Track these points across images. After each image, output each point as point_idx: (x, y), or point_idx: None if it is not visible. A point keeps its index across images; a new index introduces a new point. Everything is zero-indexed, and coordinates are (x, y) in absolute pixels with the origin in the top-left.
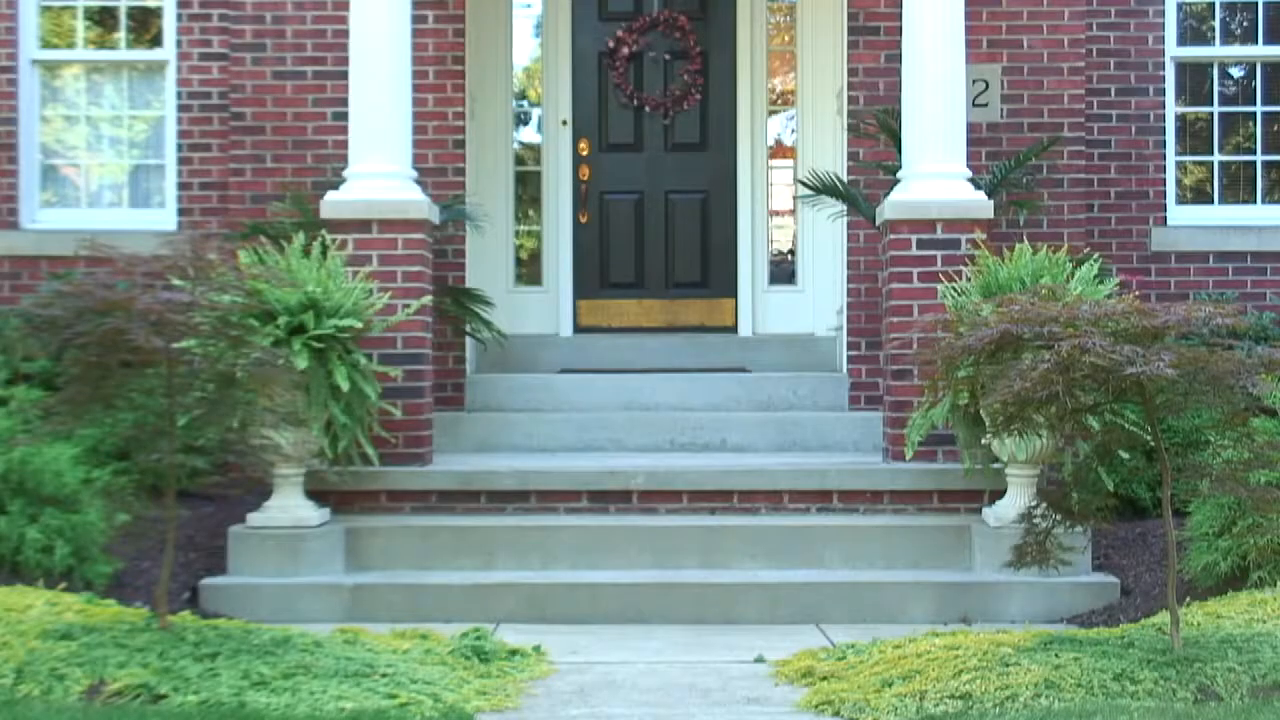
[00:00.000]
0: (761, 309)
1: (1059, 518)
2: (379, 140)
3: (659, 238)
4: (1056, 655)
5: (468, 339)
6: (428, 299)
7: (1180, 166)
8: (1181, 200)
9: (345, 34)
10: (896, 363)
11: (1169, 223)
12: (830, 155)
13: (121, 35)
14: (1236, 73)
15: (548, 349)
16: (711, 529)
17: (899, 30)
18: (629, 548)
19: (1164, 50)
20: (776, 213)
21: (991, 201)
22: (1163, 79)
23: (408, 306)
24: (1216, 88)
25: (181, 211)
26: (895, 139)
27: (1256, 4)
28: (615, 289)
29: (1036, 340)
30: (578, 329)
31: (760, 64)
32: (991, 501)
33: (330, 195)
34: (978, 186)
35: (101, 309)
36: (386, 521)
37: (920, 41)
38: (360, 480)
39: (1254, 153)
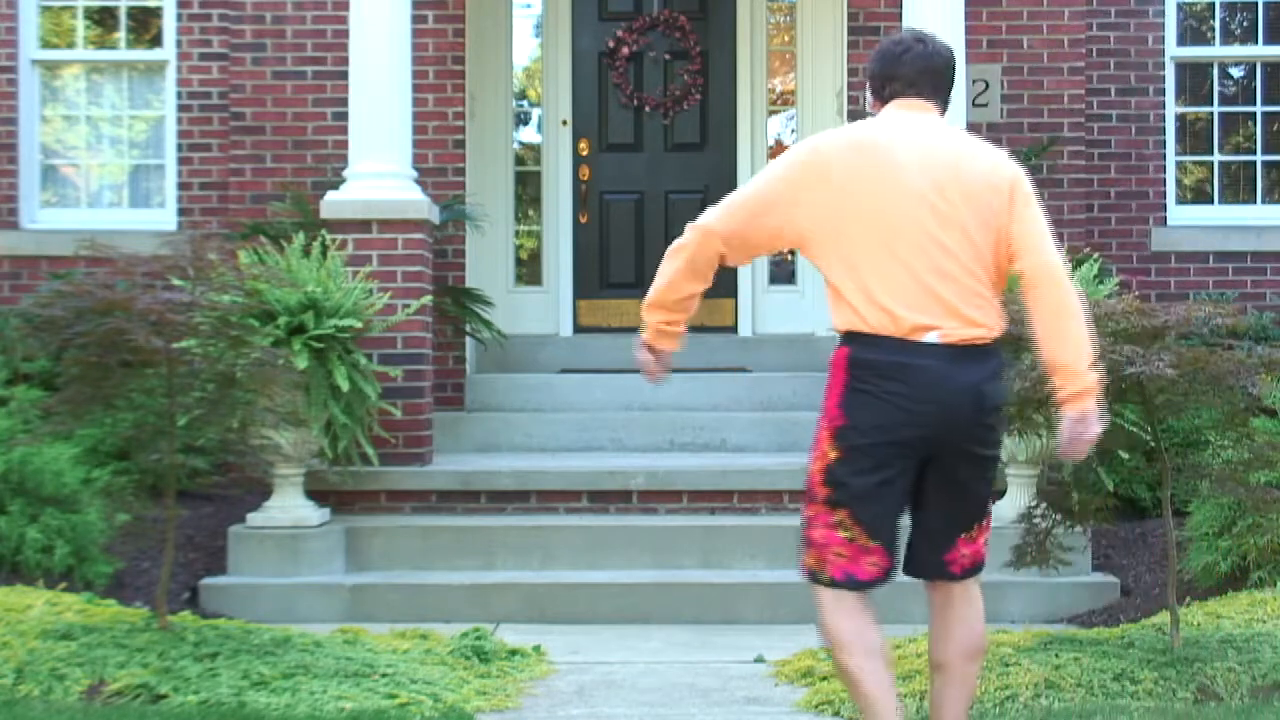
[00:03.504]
0: (761, 309)
1: (1059, 518)
2: (379, 140)
3: (659, 238)
4: (1056, 655)
5: (468, 339)
6: (428, 299)
7: (1180, 166)
8: (1181, 200)
9: (345, 34)
10: None
11: (1169, 223)
12: None
13: (121, 35)
14: (1236, 73)
15: (548, 349)
16: (711, 529)
17: (899, 30)
18: (629, 548)
19: (1164, 50)
20: None
21: None
22: (1163, 79)
23: (408, 306)
24: (1216, 88)
25: (181, 211)
26: None
27: (1256, 4)
28: (615, 289)
29: None
30: (578, 329)
31: (760, 64)
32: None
33: (330, 195)
34: None
35: (101, 309)
36: (386, 521)
37: None
38: (360, 480)
39: (1254, 153)
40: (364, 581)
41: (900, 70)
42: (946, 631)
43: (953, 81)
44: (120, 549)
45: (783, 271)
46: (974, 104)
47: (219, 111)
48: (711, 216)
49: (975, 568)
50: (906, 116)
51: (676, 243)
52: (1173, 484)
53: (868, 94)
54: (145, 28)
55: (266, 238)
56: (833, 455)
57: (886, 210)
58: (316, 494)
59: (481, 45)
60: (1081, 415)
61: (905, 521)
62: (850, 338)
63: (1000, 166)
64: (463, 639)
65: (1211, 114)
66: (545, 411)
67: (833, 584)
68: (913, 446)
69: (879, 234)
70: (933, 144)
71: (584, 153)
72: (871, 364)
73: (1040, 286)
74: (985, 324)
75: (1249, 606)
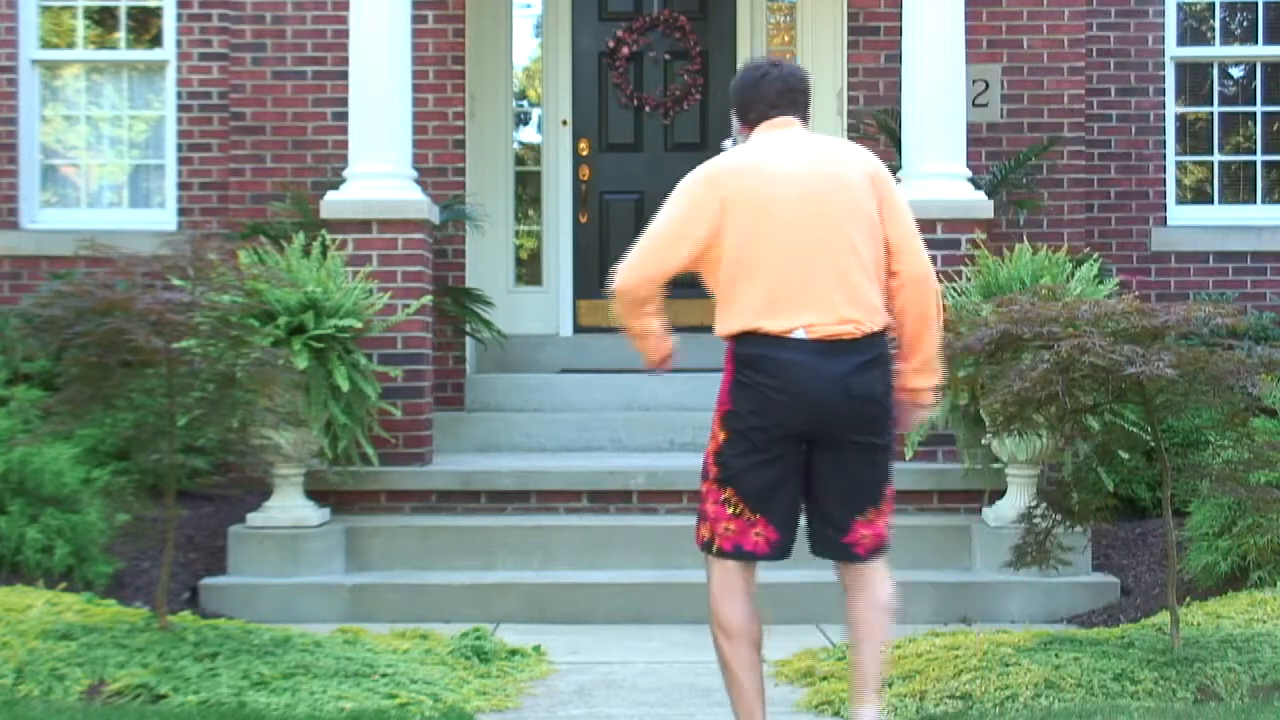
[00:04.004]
0: None
1: (1059, 518)
2: (379, 140)
3: None
4: (1056, 655)
5: (468, 339)
6: (428, 299)
7: (1180, 166)
8: (1181, 200)
9: (345, 34)
10: None
11: (1169, 223)
12: None
13: (121, 35)
14: (1236, 73)
15: (548, 349)
16: None
17: (899, 30)
18: (629, 548)
19: (1164, 50)
20: None
21: (991, 201)
22: (1163, 79)
23: (408, 306)
24: (1216, 88)
25: (181, 211)
26: (895, 139)
27: (1256, 4)
28: None
29: (1036, 340)
30: (578, 329)
31: None
32: (991, 501)
33: (330, 195)
34: (978, 186)
35: (101, 309)
36: (386, 521)
37: (920, 42)
38: (360, 480)
39: (1254, 153)
40: (364, 581)
41: (762, 93)
42: (855, 594)
43: (809, 98)
44: (120, 549)
45: None
46: (974, 104)
47: (219, 111)
48: (623, 273)
49: (879, 549)
50: (776, 135)
51: (616, 310)
52: (1173, 484)
53: (734, 121)
54: (145, 28)
55: (266, 238)
56: (722, 438)
57: (763, 218)
58: (316, 494)
59: (481, 45)
60: (918, 401)
61: (796, 500)
62: (735, 335)
63: (865, 164)
64: (463, 639)
65: (1211, 114)
66: (545, 411)
67: (722, 554)
68: (788, 432)
69: (758, 241)
70: (804, 153)
71: (584, 153)
72: (747, 358)
73: (909, 292)
74: (856, 319)
75: (1249, 606)
